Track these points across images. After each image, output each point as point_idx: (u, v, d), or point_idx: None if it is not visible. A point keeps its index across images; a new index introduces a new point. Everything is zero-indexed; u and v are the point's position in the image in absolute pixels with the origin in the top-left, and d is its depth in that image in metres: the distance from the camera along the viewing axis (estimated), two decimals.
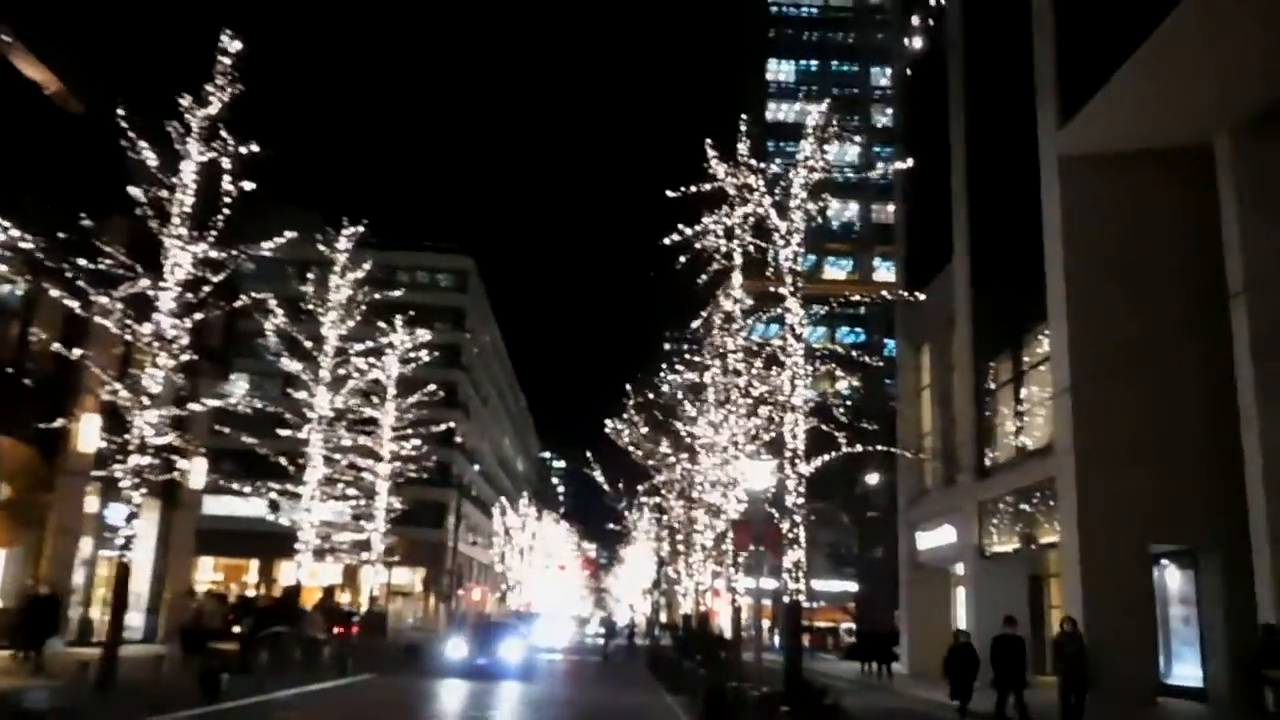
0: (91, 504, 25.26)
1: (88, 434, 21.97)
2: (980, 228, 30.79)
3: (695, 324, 24.14)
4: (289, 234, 17.52)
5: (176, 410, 17.52)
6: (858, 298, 21.48)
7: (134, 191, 16.24)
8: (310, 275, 28.07)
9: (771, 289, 17.61)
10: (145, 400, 15.96)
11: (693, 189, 18.26)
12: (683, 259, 19.56)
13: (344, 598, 51.76)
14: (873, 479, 48.03)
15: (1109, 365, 22.03)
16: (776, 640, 42.82)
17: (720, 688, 15.79)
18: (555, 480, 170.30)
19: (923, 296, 24.98)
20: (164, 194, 16.33)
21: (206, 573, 70.27)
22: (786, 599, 16.00)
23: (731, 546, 23.75)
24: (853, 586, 58.18)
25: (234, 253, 16.61)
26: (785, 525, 16.08)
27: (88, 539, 25.44)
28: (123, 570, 16.57)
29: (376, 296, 27.92)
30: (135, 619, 28.42)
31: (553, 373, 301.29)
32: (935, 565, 34.40)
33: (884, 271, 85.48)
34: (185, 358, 16.38)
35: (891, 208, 65.64)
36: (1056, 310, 23.83)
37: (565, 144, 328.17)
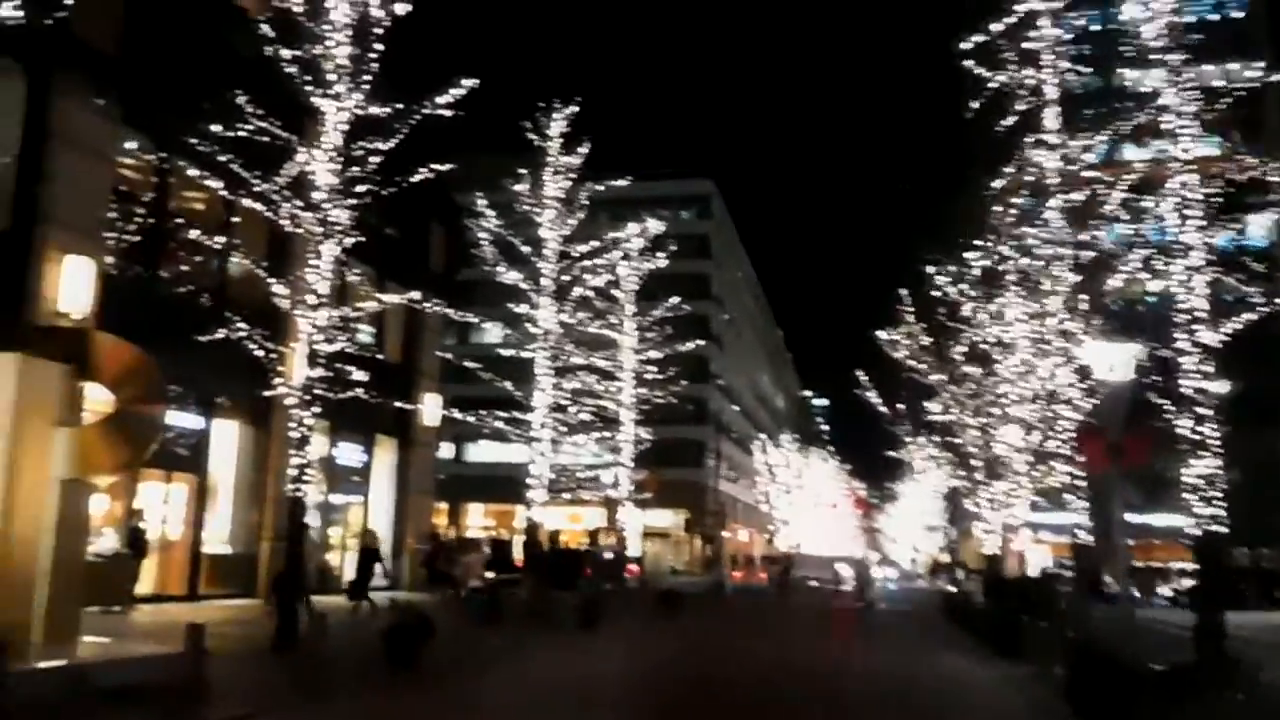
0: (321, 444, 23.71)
1: (297, 363, 19.92)
2: None
3: (1000, 182, 18.98)
4: (466, 83, 14.06)
5: (350, 309, 14.56)
6: None
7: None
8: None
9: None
10: (310, 299, 13.02)
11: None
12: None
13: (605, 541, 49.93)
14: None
15: None
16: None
17: (1091, 655, 10.93)
18: (817, 419, 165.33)
19: None
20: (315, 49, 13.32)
21: (477, 518, 71.79)
22: (1199, 531, 10.99)
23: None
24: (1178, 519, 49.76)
25: (398, 106, 13.31)
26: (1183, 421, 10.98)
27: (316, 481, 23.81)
28: (297, 505, 13.73)
29: (599, 188, 24.45)
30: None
31: (807, 305, 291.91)
32: None
33: None
34: (350, 241, 13.34)
35: None
36: None
37: (802, 52, 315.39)
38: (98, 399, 10.27)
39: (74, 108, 17.26)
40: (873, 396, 35.44)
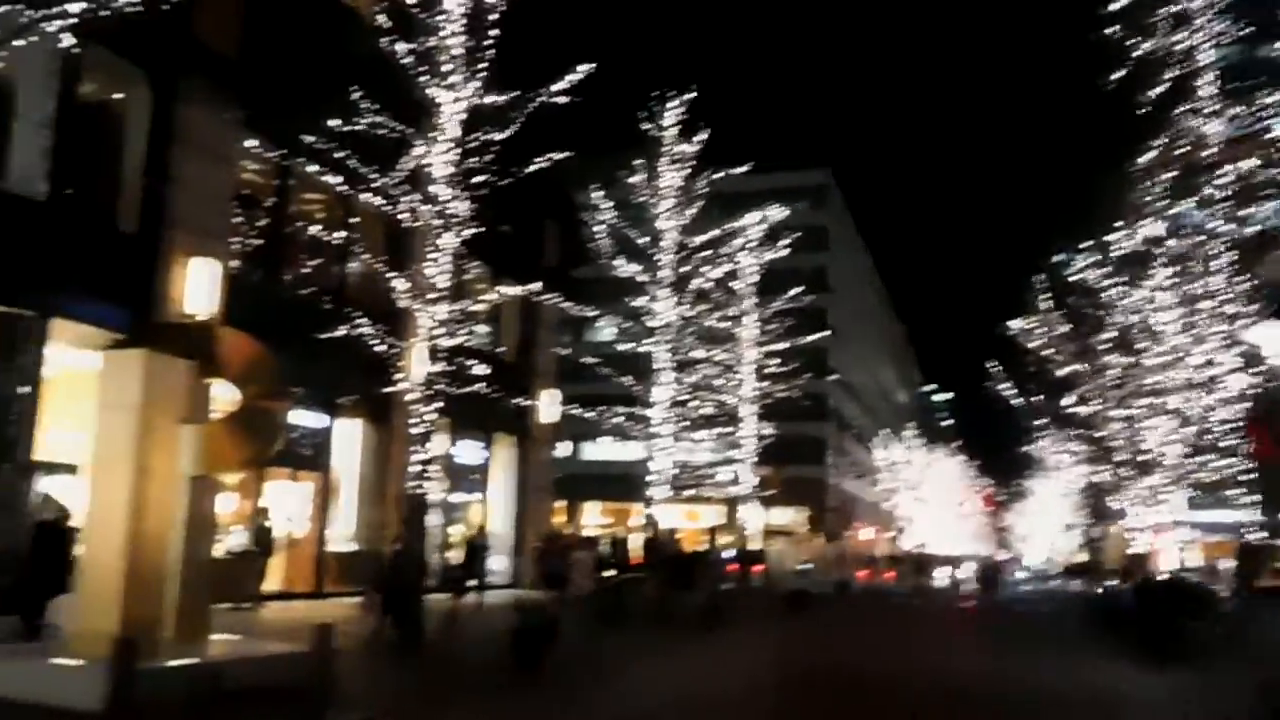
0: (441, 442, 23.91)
1: (417, 358, 20.09)
2: None
3: (1149, 157, 17.87)
4: (582, 69, 13.84)
5: (468, 305, 14.49)
6: None
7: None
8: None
9: None
10: (430, 293, 12.97)
11: None
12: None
13: (724, 540, 49.45)
14: None
15: None
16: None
17: None
18: (940, 415, 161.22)
19: None
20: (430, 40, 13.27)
21: (593, 517, 72.18)
22: None
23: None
24: None
25: (514, 94, 13.16)
26: None
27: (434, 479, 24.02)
28: (418, 503, 13.71)
29: (717, 175, 24.02)
30: (498, 563, 27.10)
31: (930, 297, 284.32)
32: None
33: None
34: (469, 233, 13.26)
35: None
36: None
37: (919, 29, 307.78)
38: (223, 395, 10.37)
39: (197, 112, 17.74)
40: (1004, 389, 34.10)
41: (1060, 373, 29.06)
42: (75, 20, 8.79)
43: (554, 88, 14.23)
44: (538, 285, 15.78)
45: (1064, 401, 30.71)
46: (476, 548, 19.91)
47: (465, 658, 12.43)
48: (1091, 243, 25.91)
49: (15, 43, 8.27)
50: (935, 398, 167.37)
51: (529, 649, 12.08)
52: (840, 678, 14.24)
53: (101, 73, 17.11)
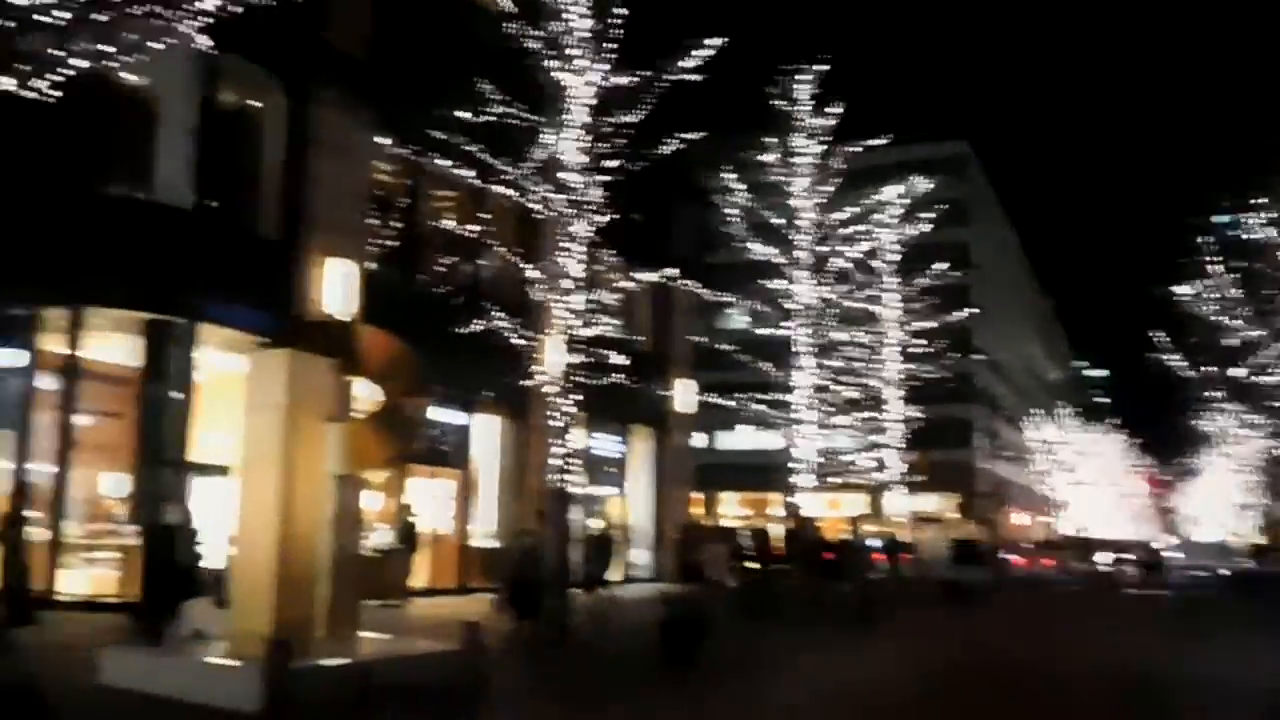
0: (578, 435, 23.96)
1: (553, 350, 20.12)
2: None
3: None
4: (711, 44, 13.51)
5: (602, 294, 14.36)
6: None
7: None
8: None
9: None
10: (565, 283, 12.89)
11: None
12: None
13: (867, 528, 48.37)
14: None
15: None
16: None
17: None
18: (1095, 391, 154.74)
19: None
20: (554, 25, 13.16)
21: (731, 507, 71.86)
22: None
23: None
24: None
25: (644, 74, 12.92)
26: None
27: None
28: (560, 497, 13.67)
29: (855, 149, 23.30)
30: (639, 556, 27.08)
31: (1078, 270, 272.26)
32: None
33: None
34: (601, 220, 13.12)
35: None
36: None
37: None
38: (364, 393, 10.49)
39: (330, 114, 18.15)
40: (1169, 360, 32.16)
41: (1233, 340, 27.29)
42: (210, 20, 8.89)
43: (683, 65, 13.95)
44: (674, 271, 15.54)
45: (1239, 371, 28.84)
46: (605, 541, 19.61)
47: (613, 653, 12.28)
48: (1265, 200, 24.21)
49: (154, 46, 8.39)
50: (1088, 373, 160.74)
51: (680, 644, 11.86)
52: (1015, 672, 13.56)
53: (239, 82, 17.71)
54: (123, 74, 16.11)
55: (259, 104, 18.35)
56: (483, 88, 14.39)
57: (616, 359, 14.69)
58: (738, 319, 64.70)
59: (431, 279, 20.97)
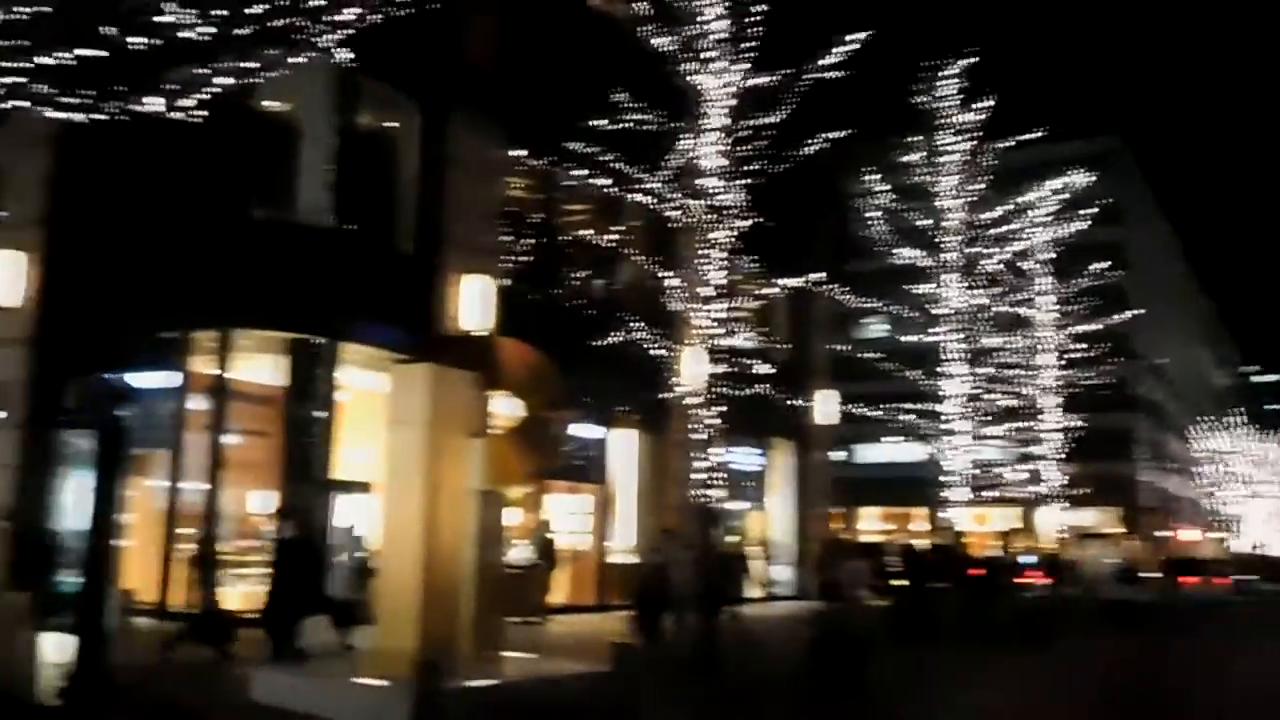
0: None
1: (693, 361, 19.88)
2: None
3: None
4: (854, 39, 13.07)
5: (741, 303, 14.02)
6: None
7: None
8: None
9: None
10: (705, 291, 12.63)
11: None
12: None
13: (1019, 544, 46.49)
14: None
15: None
16: None
17: None
18: (1268, 399, 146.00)
19: None
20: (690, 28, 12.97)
21: (871, 523, 70.38)
22: None
23: None
24: None
25: (785, 73, 12.57)
26: None
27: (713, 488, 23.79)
28: (705, 513, 13.39)
29: (1006, 146, 22.39)
30: (781, 573, 26.58)
31: (1242, 269, 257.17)
32: None
33: None
34: (743, 226, 12.81)
35: None
36: None
37: None
38: (505, 407, 10.44)
39: (463, 131, 18.40)
40: None
41: None
42: (346, 41, 9.01)
43: (824, 62, 13.56)
44: (819, 275, 15.12)
45: None
46: (733, 560, 19.16)
47: (762, 676, 11.86)
48: None
49: (293, 62, 8.54)
50: (1259, 379, 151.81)
51: (837, 667, 11.37)
52: (1199, 699, 12.60)
53: (375, 103, 18.13)
54: (264, 100, 16.95)
55: (394, 123, 18.73)
56: (616, 96, 14.29)
57: (760, 368, 14.34)
58: (874, 329, 63.64)
59: (566, 292, 21.02)
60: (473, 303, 17.45)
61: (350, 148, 17.05)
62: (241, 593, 15.88)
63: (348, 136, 17.09)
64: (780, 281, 14.55)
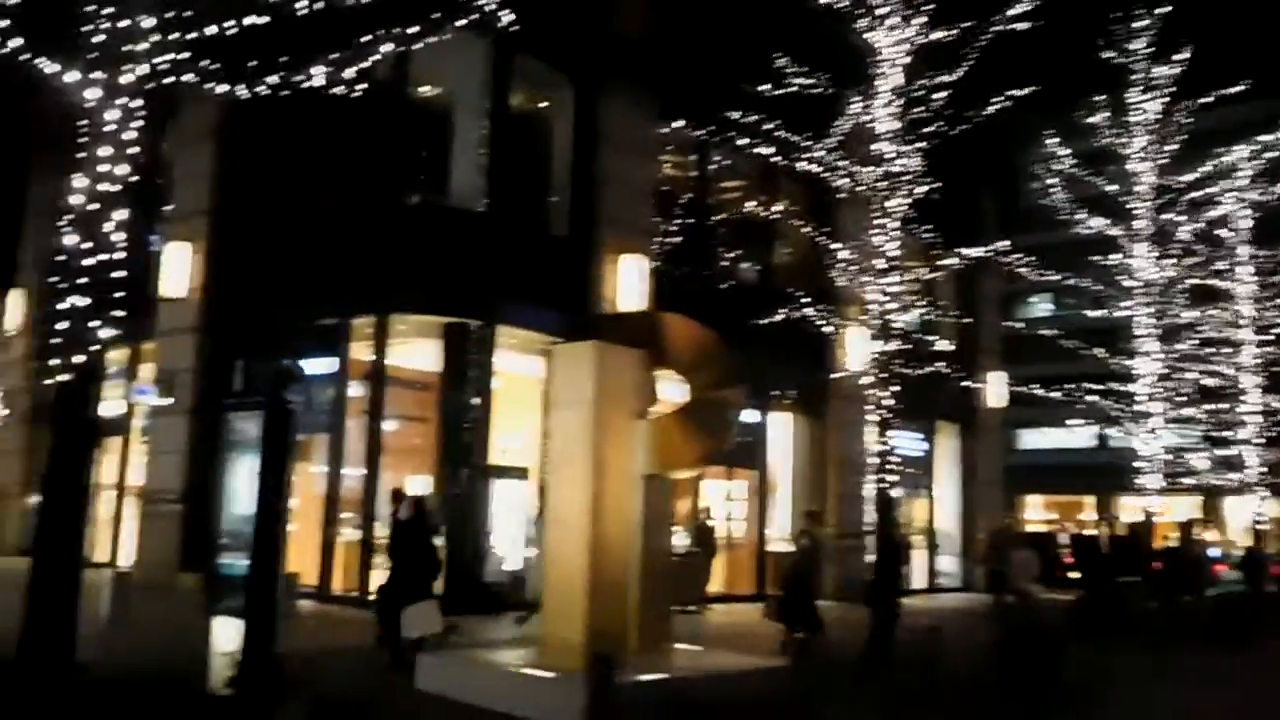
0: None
1: (860, 340, 19.06)
2: None
3: None
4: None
5: (916, 276, 13.24)
6: None
7: None
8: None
9: None
10: (879, 263, 11.94)
11: None
12: None
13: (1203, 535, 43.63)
14: None
15: None
16: None
17: None
18: None
19: None
20: None
21: (1035, 511, 67.59)
22: None
23: None
24: None
25: (966, 25, 11.73)
26: None
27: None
28: (884, 500, 12.73)
29: (1203, 102, 20.72)
30: (946, 563, 25.57)
31: None
32: None
33: None
34: (921, 191, 12.04)
35: None
36: None
37: None
38: (671, 387, 10.03)
39: (617, 106, 18.10)
40: None
41: None
42: (500, 17, 8.72)
43: (1013, 11, 12.62)
44: (1003, 244, 14.20)
45: None
46: (892, 548, 18.15)
47: (944, 672, 11.10)
48: None
49: (447, 33, 8.30)
50: None
51: (1029, 665, 10.57)
52: None
53: (527, 81, 17.99)
54: (418, 85, 17.02)
55: (546, 101, 18.59)
56: (778, 60, 13.67)
57: (938, 345, 13.54)
58: (1039, 306, 60.83)
59: (723, 268, 20.52)
60: (629, 283, 17.15)
61: (503, 128, 16.94)
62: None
63: (500, 117, 16.98)
64: (963, 251, 13.66)
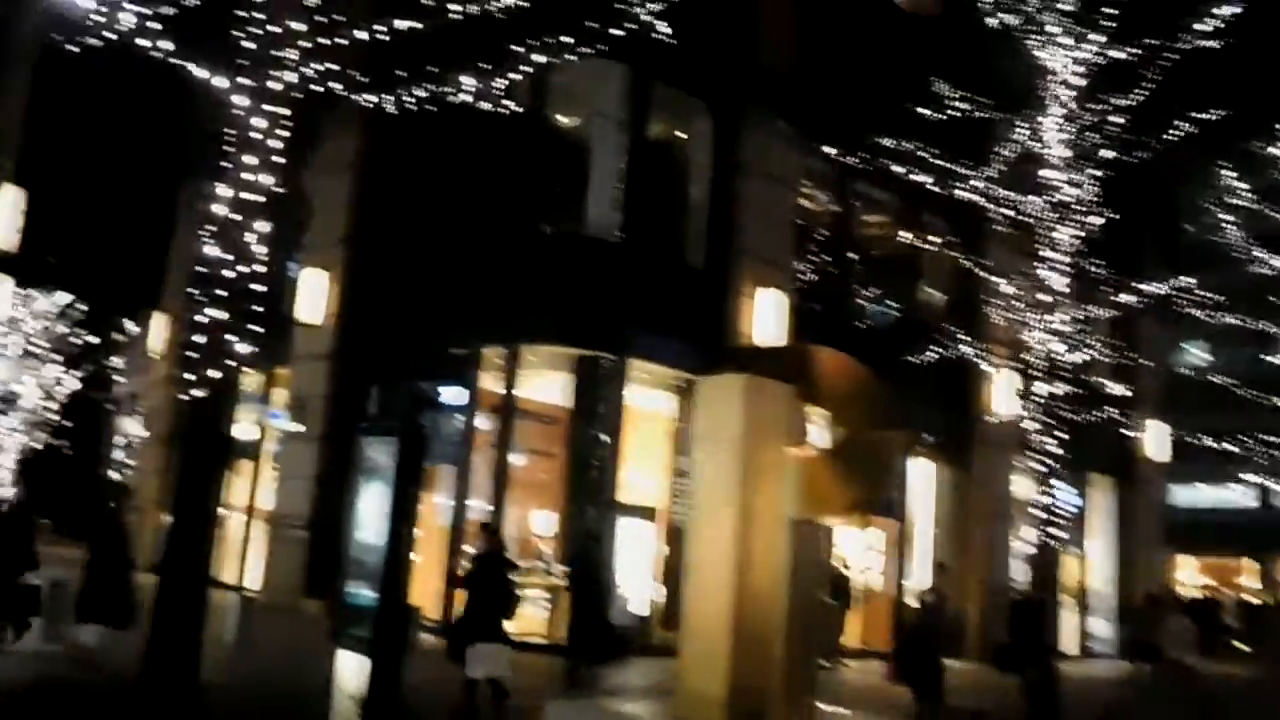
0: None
1: (1004, 383, 18.11)
2: None
3: None
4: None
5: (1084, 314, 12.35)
6: None
7: None
8: None
9: None
10: (1044, 297, 11.17)
11: None
12: None
13: None
14: None
15: None
16: None
17: None
18: None
19: None
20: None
21: (1189, 574, 64.00)
22: None
23: None
24: None
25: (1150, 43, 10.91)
26: None
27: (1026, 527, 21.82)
28: (1048, 558, 11.86)
29: None
30: (1099, 627, 24.10)
31: None
32: None
33: None
34: (1091, 223, 11.25)
35: None
36: None
37: None
38: (821, 425, 9.45)
39: (757, 135, 17.69)
40: None
41: None
42: (640, 41, 8.45)
43: (1199, 27, 11.76)
44: (1186, 282, 13.23)
45: None
46: (1028, 609, 16.92)
47: None
48: None
49: (584, 51, 8.03)
50: None
51: None
52: None
53: (665, 110, 17.72)
54: (556, 113, 16.95)
55: (684, 131, 18.29)
56: (934, 86, 13.06)
57: (1108, 389, 12.65)
58: (1195, 354, 57.90)
59: (861, 305, 19.81)
60: (766, 317, 16.63)
61: (639, 157, 16.73)
62: (523, 615, 15.68)
63: (637, 146, 16.78)
64: (1143, 288, 12.74)
